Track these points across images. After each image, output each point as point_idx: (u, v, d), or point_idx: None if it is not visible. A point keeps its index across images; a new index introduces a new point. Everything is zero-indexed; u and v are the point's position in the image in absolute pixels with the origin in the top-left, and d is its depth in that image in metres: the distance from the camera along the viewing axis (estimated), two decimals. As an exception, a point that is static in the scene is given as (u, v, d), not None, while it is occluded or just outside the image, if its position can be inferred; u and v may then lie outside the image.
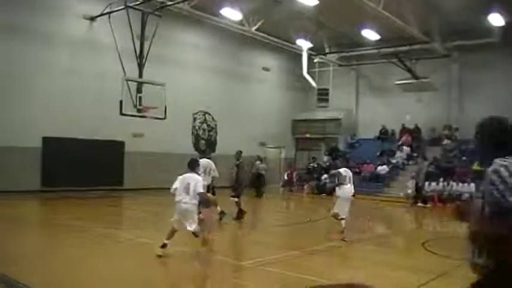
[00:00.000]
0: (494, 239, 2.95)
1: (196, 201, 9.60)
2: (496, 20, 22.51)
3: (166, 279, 8.56)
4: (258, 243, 11.97)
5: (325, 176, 28.25)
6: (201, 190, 9.62)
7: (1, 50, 19.73)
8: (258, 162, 25.43)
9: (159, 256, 9.19)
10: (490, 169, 3.03)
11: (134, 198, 21.37)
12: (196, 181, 9.59)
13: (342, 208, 12.87)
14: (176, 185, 9.57)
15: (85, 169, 21.36)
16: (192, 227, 9.43)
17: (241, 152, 16.28)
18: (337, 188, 13.42)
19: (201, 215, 10.69)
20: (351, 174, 13.44)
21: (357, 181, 27.26)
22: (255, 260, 9.53)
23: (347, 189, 13.09)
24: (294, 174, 30.37)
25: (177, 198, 9.50)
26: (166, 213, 10.89)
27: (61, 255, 9.25)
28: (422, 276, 8.70)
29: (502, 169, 2.95)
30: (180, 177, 9.69)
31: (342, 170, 13.40)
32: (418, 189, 24.05)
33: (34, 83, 20.56)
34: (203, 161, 12.95)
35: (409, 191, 24.29)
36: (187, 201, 9.44)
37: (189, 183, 9.50)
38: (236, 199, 15.32)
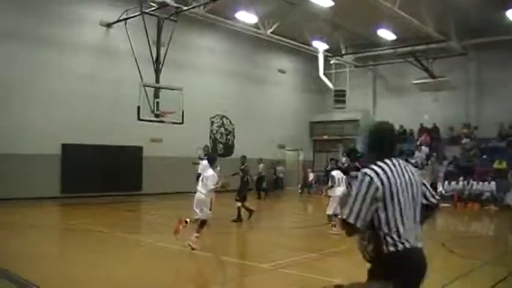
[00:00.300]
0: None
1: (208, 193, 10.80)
2: (514, 16, 22.28)
3: (185, 283, 8.58)
4: (277, 246, 11.96)
5: (344, 176, 28.10)
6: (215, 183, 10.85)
7: (22, 58, 20.00)
8: (261, 165, 25.46)
9: (192, 249, 10.12)
10: (361, 171, 3.55)
11: (153, 203, 21.48)
12: (208, 175, 10.93)
13: (332, 206, 13.67)
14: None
15: (104, 175, 21.55)
16: (201, 215, 10.60)
17: (245, 156, 17.04)
18: (330, 190, 14.14)
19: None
20: (343, 176, 14.24)
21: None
22: (275, 262, 9.53)
23: (338, 190, 13.76)
24: (312, 175, 30.28)
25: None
26: (185, 216, 10.92)
27: (80, 260, 9.32)
28: (444, 276, 8.63)
29: (366, 179, 3.47)
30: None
31: (334, 173, 14.29)
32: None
33: (53, 90, 20.79)
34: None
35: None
36: (201, 191, 10.78)
37: (204, 176, 11.00)
38: (239, 203, 15.53)
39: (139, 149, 23.51)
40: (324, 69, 29.91)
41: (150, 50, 19.75)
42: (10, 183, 18.81)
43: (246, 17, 23.65)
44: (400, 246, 3.42)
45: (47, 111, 20.46)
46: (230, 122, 28.87)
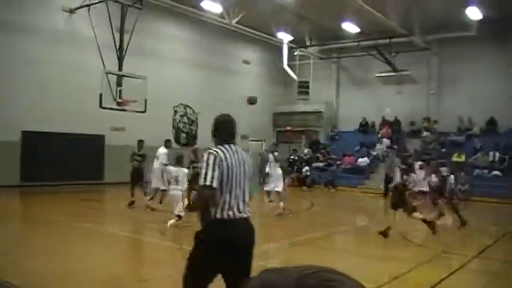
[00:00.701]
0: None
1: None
2: (474, 13, 22.74)
3: (147, 272, 8.55)
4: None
5: (306, 168, 28.37)
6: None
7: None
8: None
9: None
10: (206, 152, 4.38)
11: (115, 192, 21.27)
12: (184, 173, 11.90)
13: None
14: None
15: (65, 163, 21.21)
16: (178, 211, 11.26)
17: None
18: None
19: None
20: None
21: (338, 173, 27.68)
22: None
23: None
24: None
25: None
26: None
27: (42, 250, 9.19)
28: (402, 265, 8.81)
29: (211, 156, 4.28)
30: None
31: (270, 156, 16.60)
32: (389, 181, 24.26)
33: (13, 76, 20.31)
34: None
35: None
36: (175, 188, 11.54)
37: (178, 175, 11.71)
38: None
39: (101, 138, 23.21)
40: (288, 61, 30.03)
41: (114, 37, 19.49)
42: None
43: (211, 6, 23.56)
44: (226, 214, 4.23)
45: (7, 97, 19.99)
46: (193, 111, 28.74)
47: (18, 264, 7.87)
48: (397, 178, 12.26)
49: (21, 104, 20.25)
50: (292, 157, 30.66)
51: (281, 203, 15.06)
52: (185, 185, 11.70)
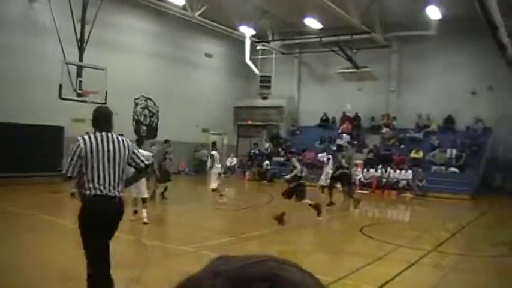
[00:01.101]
0: None
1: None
2: (433, 12, 23.13)
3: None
4: (201, 229, 12.03)
5: (267, 162, 28.50)
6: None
7: None
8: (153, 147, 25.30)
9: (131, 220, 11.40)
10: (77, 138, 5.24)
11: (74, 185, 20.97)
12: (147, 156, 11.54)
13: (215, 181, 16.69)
14: None
15: (23, 155, 20.76)
16: (145, 194, 12.11)
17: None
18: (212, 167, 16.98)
19: None
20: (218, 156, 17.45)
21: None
22: (196, 244, 9.60)
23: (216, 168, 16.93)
24: (236, 160, 30.39)
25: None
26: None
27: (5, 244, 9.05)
28: (359, 260, 8.96)
29: (73, 145, 5.16)
30: None
31: (215, 153, 17.10)
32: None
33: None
34: None
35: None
36: None
37: None
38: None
39: (60, 129, 22.83)
40: (251, 55, 30.06)
41: (74, 28, 19.20)
42: None
43: (174, -2, 23.40)
44: (93, 192, 5.04)
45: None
46: (155, 104, 28.54)
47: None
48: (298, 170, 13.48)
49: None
50: (252, 151, 30.78)
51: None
52: None
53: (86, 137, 5.20)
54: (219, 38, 30.64)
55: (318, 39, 27.90)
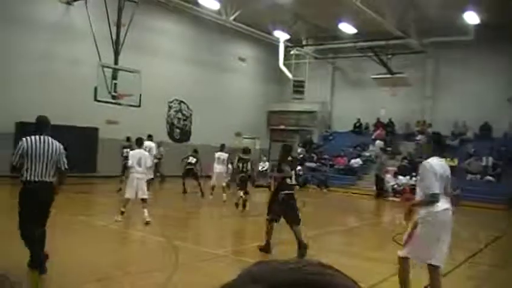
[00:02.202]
0: None
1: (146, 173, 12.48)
2: (471, 18, 22.80)
3: (137, 263, 8.55)
4: (233, 233, 12.01)
5: (299, 168, 28.38)
6: (150, 163, 12.82)
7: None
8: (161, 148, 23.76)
9: (116, 221, 11.57)
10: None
11: (108, 185, 21.21)
12: (145, 155, 12.28)
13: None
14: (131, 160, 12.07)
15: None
16: (143, 195, 11.84)
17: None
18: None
19: None
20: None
21: (330, 173, 27.70)
22: (228, 248, 9.58)
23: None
24: (267, 164, 30.22)
25: (131, 171, 11.99)
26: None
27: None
28: (390, 268, 8.82)
29: (18, 144, 7.01)
30: (132, 152, 12.55)
31: (217, 155, 17.91)
32: (379, 182, 24.40)
33: (8, 68, 20.21)
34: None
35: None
36: (139, 172, 11.91)
37: (140, 158, 12.02)
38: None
39: (95, 131, 23.15)
40: (284, 60, 30.04)
41: (110, 31, 19.45)
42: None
43: (209, 3, 23.54)
44: (28, 179, 6.85)
45: (2, 88, 19.91)
46: (188, 107, 28.72)
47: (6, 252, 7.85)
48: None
49: (17, 95, 20.16)
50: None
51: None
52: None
53: (24, 140, 7.01)
54: (252, 42, 30.69)
55: (352, 44, 27.74)
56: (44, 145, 6.92)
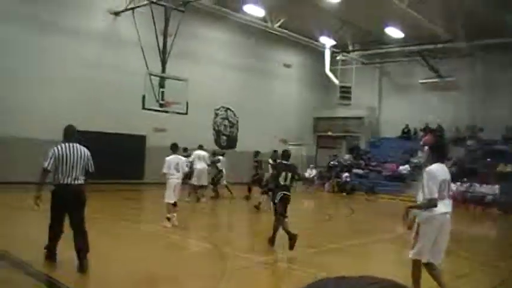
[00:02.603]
0: None
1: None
2: (522, 18, 22.17)
3: (185, 268, 8.56)
4: (277, 240, 11.93)
5: (346, 174, 28.13)
6: (186, 169, 13.36)
7: (25, 43, 19.91)
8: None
9: (165, 227, 11.85)
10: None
11: (155, 192, 21.41)
12: (182, 161, 12.96)
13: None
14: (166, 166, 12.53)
15: (107, 162, 21.36)
16: (175, 198, 12.29)
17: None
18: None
19: None
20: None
21: (378, 180, 27.32)
22: (275, 256, 9.52)
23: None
24: (314, 171, 30.07)
25: (170, 176, 12.46)
26: (188, 208, 10.91)
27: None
28: (442, 276, 8.60)
29: (50, 151, 7.66)
30: (168, 158, 12.71)
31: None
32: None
33: (58, 76, 20.73)
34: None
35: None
36: (178, 177, 12.44)
37: (177, 163, 12.54)
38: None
39: (142, 138, 23.46)
40: (330, 65, 29.84)
41: (157, 40, 19.75)
42: (11, 166, 18.73)
43: (254, 10, 23.65)
44: (62, 182, 7.46)
45: (51, 97, 20.40)
46: (234, 114, 28.84)
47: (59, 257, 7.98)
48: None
49: (65, 103, 20.63)
50: (332, 162, 30.47)
51: None
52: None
53: (55, 147, 7.69)
54: (298, 49, 30.62)
55: (399, 49, 27.39)
56: (74, 151, 7.66)
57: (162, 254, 9.61)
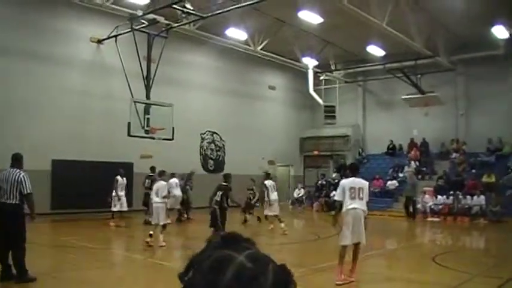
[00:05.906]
0: None
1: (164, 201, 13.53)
2: (500, 32, 22.59)
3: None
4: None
5: (334, 192, 28.15)
6: (165, 193, 13.65)
7: (11, 73, 19.83)
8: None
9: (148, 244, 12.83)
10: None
11: (143, 219, 21.34)
12: (162, 185, 13.73)
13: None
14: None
15: (94, 191, 21.31)
16: (162, 221, 13.11)
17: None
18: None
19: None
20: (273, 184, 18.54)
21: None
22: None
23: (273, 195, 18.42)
24: (303, 191, 30.13)
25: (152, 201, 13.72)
26: (177, 234, 10.92)
27: (74, 277, 9.27)
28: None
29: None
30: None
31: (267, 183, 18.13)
32: (411, 203, 24.06)
33: (43, 105, 20.69)
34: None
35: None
36: (157, 201, 13.32)
37: (158, 188, 13.58)
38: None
39: (130, 166, 23.38)
40: (314, 85, 30.06)
41: (141, 66, 19.86)
42: None
43: (236, 34, 23.86)
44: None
45: (38, 126, 20.33)
46: (221, 138, 28.89)
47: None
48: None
49: (52, 133, 20.61)
50: (320, 182, 30.57)
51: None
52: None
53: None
54: (282, 70, 30.88)
55: (381, 66, 27.71)
56: (7, 176, 8.80)
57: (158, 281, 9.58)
